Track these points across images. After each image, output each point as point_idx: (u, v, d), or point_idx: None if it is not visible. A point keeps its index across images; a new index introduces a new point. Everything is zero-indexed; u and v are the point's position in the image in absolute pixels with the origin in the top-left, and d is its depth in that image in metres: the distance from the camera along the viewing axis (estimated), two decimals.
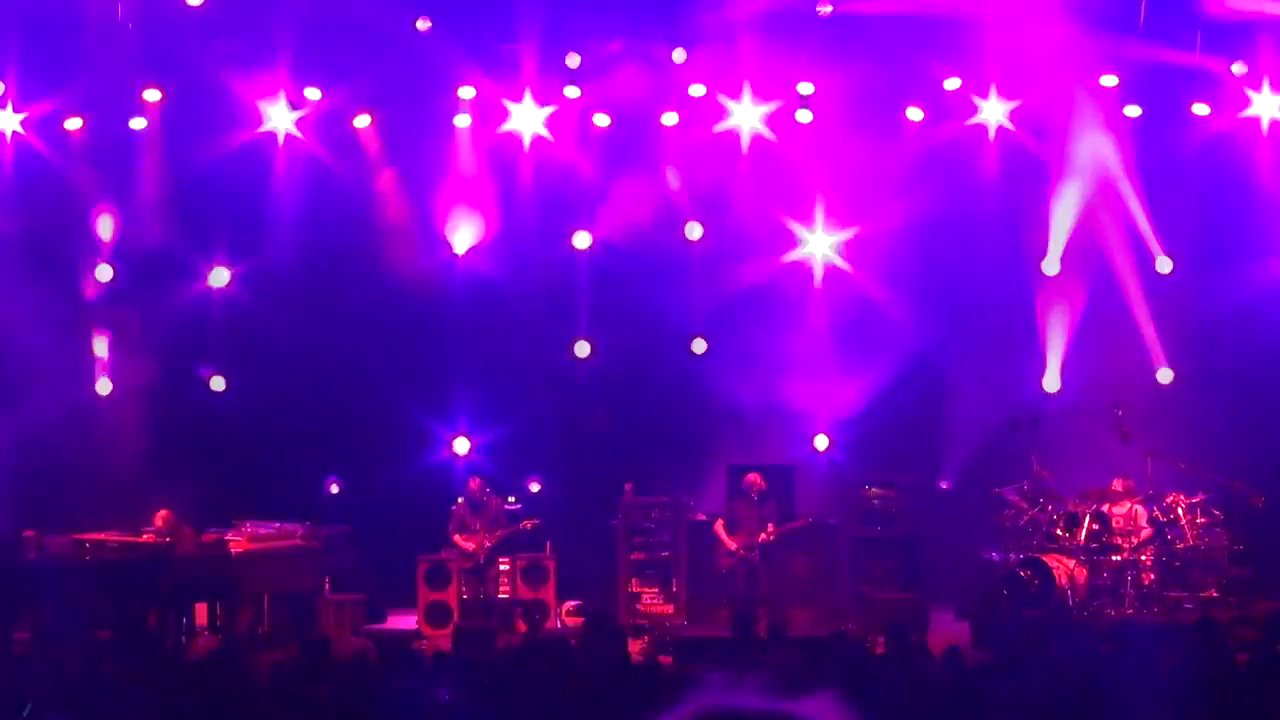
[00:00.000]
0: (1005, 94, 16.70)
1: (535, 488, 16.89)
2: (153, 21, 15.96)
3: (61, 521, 15.04)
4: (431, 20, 16.13)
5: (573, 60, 16.41)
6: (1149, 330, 16.80)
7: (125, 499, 15.55)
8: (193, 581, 14.09)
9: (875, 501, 16.18)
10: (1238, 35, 16.22)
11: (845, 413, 16.78)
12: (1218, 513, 15.12)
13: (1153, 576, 14.92)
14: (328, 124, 16.68)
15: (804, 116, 16.74)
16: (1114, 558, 14.96)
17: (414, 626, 15.51)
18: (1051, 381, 16.98)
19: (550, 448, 16.96)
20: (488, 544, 15.71)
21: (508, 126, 16.92)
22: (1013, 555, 15.22)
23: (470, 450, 16.82)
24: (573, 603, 15.78)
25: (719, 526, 15.78)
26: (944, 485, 16.89)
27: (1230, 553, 15.12)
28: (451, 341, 16.89)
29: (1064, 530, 15.27)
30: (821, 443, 16.91)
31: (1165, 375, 16.89)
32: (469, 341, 16.84)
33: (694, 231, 17.13)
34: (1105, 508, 15.22)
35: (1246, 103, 16.65)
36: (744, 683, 2.91)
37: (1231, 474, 15.36)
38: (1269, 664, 9.78)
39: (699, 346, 17.19)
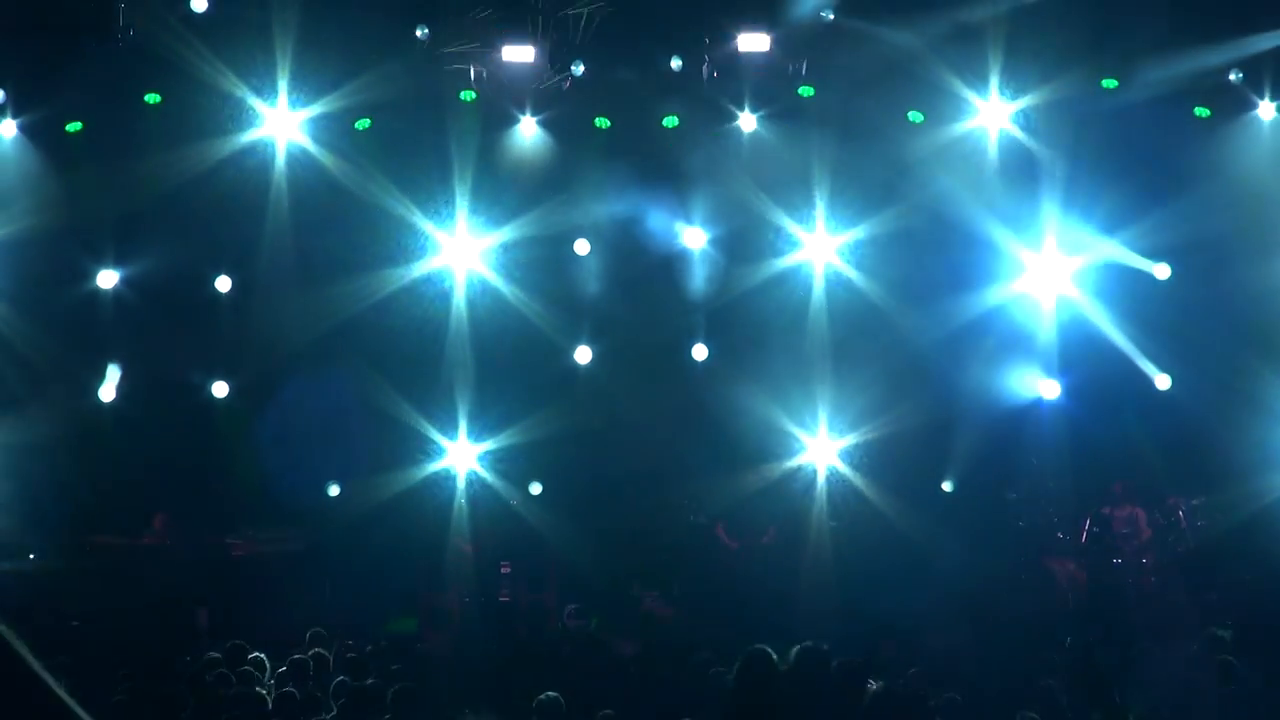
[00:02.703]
0: (1008, 95, 16.70)
1: (536, 490, 16.90)
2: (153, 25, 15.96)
3: (64, 525, 15.06)
4: (430, 27, 16.12)
5: (577, 68, 16.42)
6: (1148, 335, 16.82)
7: (128, 504, 15.56)
8: (194, 584, 14.12)
9: (877, 503, 16.20)
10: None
11: (847, 414, 16.79)
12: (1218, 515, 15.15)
13: (1153, 578, 14.93)
14: (328, 127, 16.67)
15: (806, 118, 16.74)
16: (1114, 560, 14.97)
17: (414, 629, 15.52)
18: (1051, 386, 17.01)
19: (551, 451, 16.96)
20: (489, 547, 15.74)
21: (509, 129, 16.95)
22: None
23: (471, 453, 16.82)
24: (573, 606, 15.80)
25: (720, 529, 15.81)
26: (946, 487, 16.91)
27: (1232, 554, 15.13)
28: (452, 345, 16.89)
29: (1064, 533, 15.30)
30: (824, 445, 16.91)
31: (1163, 381, 16.90)
32: (470, 345, 16.85)
33: (695, 237, 17.15)
34: (1105, 510, 15.24)
35: (1248, 106, 16.68)
36: None
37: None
38: None
39: (700, 352, 17.21)
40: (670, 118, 16.88)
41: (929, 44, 16.01)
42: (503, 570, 15.99)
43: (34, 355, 16.01)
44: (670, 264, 17.17)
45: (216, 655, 10.89)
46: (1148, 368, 16.82)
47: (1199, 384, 16.46)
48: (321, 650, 11.58)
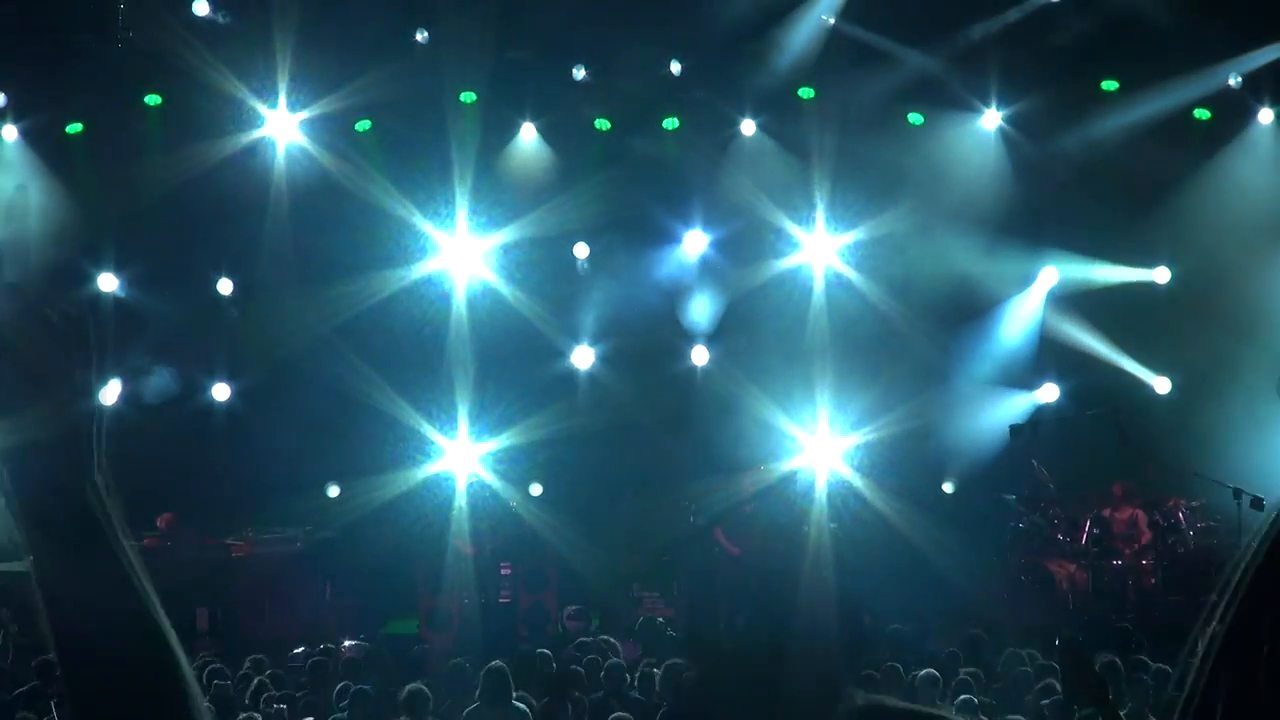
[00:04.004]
0: (1006, 97, 16.71)
1: (536, 490, 16.90)
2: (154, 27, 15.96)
3: None
4: (430, 30, 16.12)
5: (578, 72, 16.43)
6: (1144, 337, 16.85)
7: (128, 505, 15.52)
8: (193, 585, 14.11)
9: (878, 505, 16.20)
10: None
11: (848, 416, 16.78)
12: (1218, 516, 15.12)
13: (1153, 580, 14.91)
14: (328, 129, 16.68)
15: (806, 120, 16.75)
16: (1115, 562, 14.96)
17: (415, 631, 15.50)
18: (1050, 388, 17.03)
19: (551, 452, 16.96)
20: (489, 548, 15.72)
21: (509, 131, 16.97)
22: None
23: (471, 454, 16.80)
24: (573, 607, 15.80)
25: (719, 531, 15.79)
26: (947, 489, 16.93)
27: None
28: (453, 346, 16.89)
29: (1065, 535, 15.29)
30: (824, 446, 16.88)
31: (1163, 384, 16.91)
32: (470, 346, 16.85)
33: (696, 239, 17.16)
34: (1106, 512, 15.22)
35: (1246, 109, 16.70)
36: None
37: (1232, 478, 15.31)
38: None
39: (700, 354, 17.21)
40: (670, 119, 16.89)
41: (928, 52, 16.06)
42: (503, 571, 15.97)
43: (35, 357, 15.96)
44: (670, 266, 17.18)
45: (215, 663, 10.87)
46: (1145, 373, 16.85)
47: (1199, 387, 16.46)
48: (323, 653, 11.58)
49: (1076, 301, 17.05)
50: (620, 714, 8.99)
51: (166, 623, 1.83)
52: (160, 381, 16.56)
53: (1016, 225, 16.77)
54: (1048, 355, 17.12)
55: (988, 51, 16.26)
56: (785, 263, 17.13)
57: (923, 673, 9.91)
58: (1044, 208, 16.77)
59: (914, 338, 16.76)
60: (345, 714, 9.31)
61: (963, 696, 9.35)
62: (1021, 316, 17.18)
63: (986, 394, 16.85)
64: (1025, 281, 17.14)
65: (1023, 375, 17.10)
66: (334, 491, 16.89)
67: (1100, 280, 16.93)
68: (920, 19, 15.91)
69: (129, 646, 1.78)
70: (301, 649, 12.88)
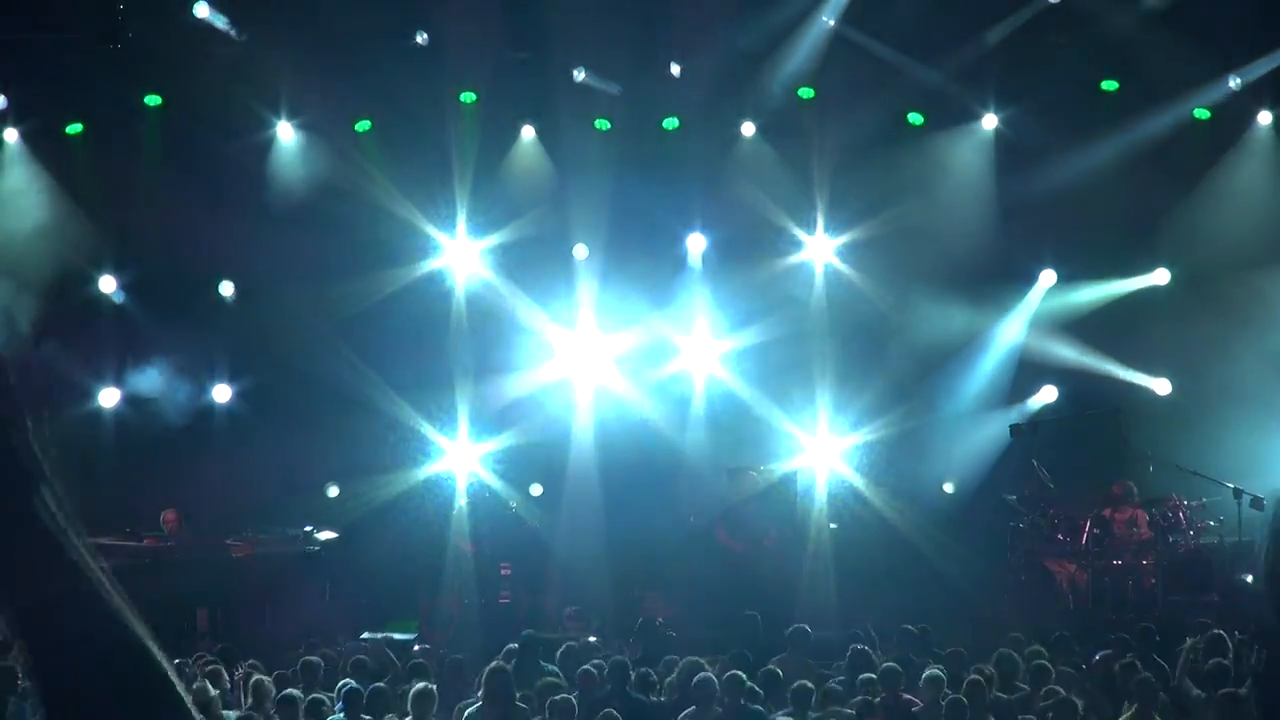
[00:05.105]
0: (1005, 102, 16.71)
1: (536, 490, 16.90)
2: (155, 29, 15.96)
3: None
4: (430, 31, 16.11)
5: (578, 73, 16.43)
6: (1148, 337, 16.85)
7: (128, 506, 15.57)
8: (193, 585, 14.11)
9: (877, 505, 16.20)
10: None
11: (848, 416, 16.78)
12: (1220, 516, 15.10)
13: (1153, 580, 14.91)
14: (328, 129, 16.67)
15: (806, 121, 16.75)
16: (1115, 562, 14.95)
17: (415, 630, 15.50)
18: (1050, 389, 17.03)
19: (551, 452, 16.95)
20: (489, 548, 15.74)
21: (509, 131, 16.97)
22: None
23: (471, 454, 16.80)
24: (573, 608, 15.79)
25: (720, 531, 15.79)
26: (947, 489, 16.92)
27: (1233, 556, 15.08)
28: (453, 347, 16.89)
29: (1065, 535, 15.28)
30: (824, 446, 16.88)
31: (1163, 385, 16.91)
32: (471, 347, 16.86)
33: (695, 241, 17.17)
34: (1106, 512, 15.22)
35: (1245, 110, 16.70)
36: None
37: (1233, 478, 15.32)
38: None
39: (699, 354, 17.20)
40: (670, 119, 16.89)
41: (928, 57, 16.08)
42: (503, 571, 15.97)
43: (35, 359, 15.98)
44: (669, 266, 17.18)
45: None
46: (1144, 378, 16.85)
47: (1199, 387, 16.45)
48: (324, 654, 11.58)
49: (1076, 305, 17.03)
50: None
51: (144, 632, 1.78)
52: (174, 402, 16.57)
53: (1016, 228, 16.76)
54: (1047, 359, 17.09)
55: (987, 57, 16.26)
56: (785, 262, 17.12)
57: (928, 673, 9.89)
58: (1043, 211, 16.74)
59: (914, 337, 16.75)
60: (345, 714, 9.30)
61: (955, 696, 9.34)
62: (1020, 320, 17.16)
63: (986, 396, 16.85)
64: (1024, 284, 17.12)
65: (1022, 378, 17.07)
66: (334, 491, 16.88)
67: (1099, 295, 16.95)
68: (920, 23, 15.89)
69: (108, 662, 1.74)
70: (302, 649, 12.86)
